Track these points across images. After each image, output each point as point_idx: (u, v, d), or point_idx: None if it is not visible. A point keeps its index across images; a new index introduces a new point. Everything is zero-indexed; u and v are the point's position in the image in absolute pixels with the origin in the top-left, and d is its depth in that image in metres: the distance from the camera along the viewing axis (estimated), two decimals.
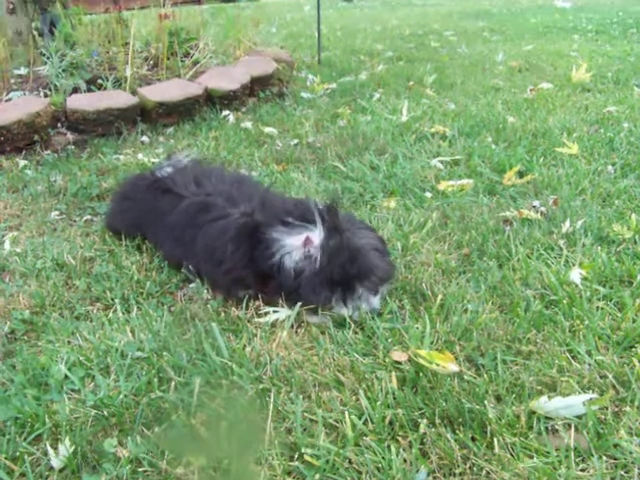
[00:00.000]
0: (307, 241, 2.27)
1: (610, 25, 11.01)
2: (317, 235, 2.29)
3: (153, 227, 2.84)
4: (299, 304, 2.30)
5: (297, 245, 2.29)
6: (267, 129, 4.77)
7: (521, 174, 3.68)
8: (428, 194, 3.45)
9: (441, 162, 3.93)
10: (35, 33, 5.70)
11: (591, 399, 1.81)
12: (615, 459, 1.67)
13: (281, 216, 2.39)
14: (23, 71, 5.38)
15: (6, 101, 4.76)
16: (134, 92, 5.04)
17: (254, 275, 2.36)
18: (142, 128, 4.81)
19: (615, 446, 1.70)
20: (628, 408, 1.81)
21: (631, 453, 1.67)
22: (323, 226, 2.29)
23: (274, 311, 2.35)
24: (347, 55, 8.30)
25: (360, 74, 6.90)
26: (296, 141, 4.49)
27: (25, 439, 1.81)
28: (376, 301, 2.34)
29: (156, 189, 2.88)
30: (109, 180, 3.83)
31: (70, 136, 4.60)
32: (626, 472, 1.63)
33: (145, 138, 4.67)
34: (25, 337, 2.32)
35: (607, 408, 1.82)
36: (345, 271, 2.24)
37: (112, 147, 4.50)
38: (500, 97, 5.68)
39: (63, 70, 5.17)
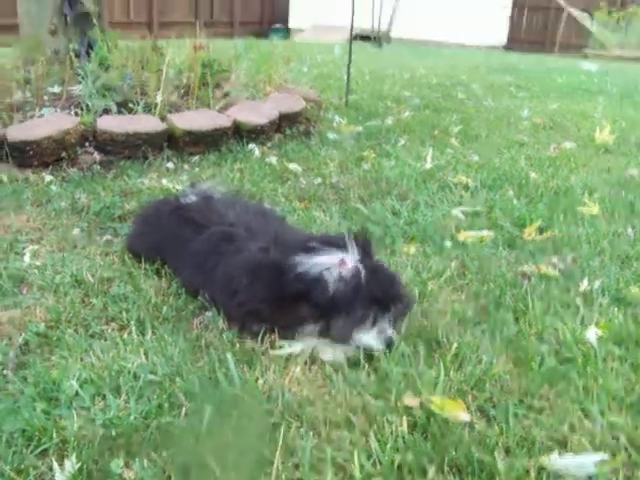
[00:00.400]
0: (342, 262, 2.29)
1: (635, 90, 11.08)
2: (350, 259, 2.31)
3: (173, 253, 2.85)
4: (313, 342, 2.31)
5: (335, 263, 2.30)
6: (292, 166, 4.81)
7: (541, 230, 3.68)
8: (448, 243, 3.46)
9: (462, 212, 3.94)
10: (72, 54, 5.80)
11: (602, 460, 1.80)
12: None
13: (302, 246, 2.41)
14: (57, 89, 5.46)
15: (38, 117, 4.83)
16: (163, 118, 5.10)
17: (272, 306, 2.36)
18: (168, 154, 4.86)
19: None
20: None
21: None
22: (356, 249, 2.33)
23: (289, 345, 2.35)
24: (374, 100, 8.38)
25: (386, 119, 6.95)
26: (320, 180, 4.52)
27: (32, 452, 1.82)
28: (394, 333, 2.37)
29: (179, 215, 2.90)
30: (132, 202, 3.86)
31: (97, 156, 4.65)
32: None
33: (170, 164, 4.72)
34: (38, 350, 2.33)
35: (619, 470, 1.80)
36: (385, 291, 2.29)
37: (137, 170, 4.54)
38: (524, 152, 5.71)
39: (96, 91, 5.25)
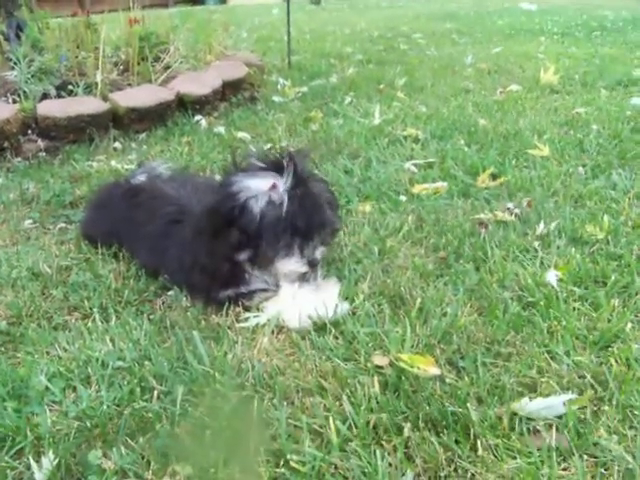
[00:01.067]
0: (274, 187, 2.28)
1: (575, 27, 11.17)
2: (283, 182, 2.30)
3: (129, 236, 2.83)
4: (278, 308, 2.33)
5: (263, 189, 2.29)
6: (240, 134, 4.78)
7: (494, 176, 3.71)
8: (403, 197, 3.48)
9: (415, 165, 3.96)
10: (0, 38, 5.65)
11: (571, 399, 1.84)
12: (595, 457, 1.69)
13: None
14: None
15: None
16: (105, 98, 5.01)
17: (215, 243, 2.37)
18: (114, 134, 4.79)
19: (595, 445, 1.72)
20: (606, 407, 1.85)
21: (610, 451, 1.70)
22: (290, 174, 2.31)
23: (254, 316, 2.36)
24: (317, 58, 8.33)
25: (331, 77, 6.93)
26: (269, 145, 4.50)
27: (7, 453, 1.80)
28: (319, 253, 2.42)
29: (130, 197, 2.87)
30: (82, 187, 3.80)
31: (41, 143, 4.56)
32: (606, 469, 1.65)
33: (118, 144, 4.65)
34: (2, 348, 2.30)
35: (586, 408, 1.84)
36: (310, 221, 2.30)
37: (84, 154, 4.47)
38: (470, 99, 5.74)
39: (32, 75, 5.12)
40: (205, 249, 2.38)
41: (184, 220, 2.57)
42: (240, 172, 2.37)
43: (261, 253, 2.33)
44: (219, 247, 2.34)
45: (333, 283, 2.51)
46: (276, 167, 2.33)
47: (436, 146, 4.32)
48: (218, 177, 3.72)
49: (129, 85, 5.51)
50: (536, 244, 2.85)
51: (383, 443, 1.76)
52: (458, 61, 7.77)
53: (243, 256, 2.36)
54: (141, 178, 3.01)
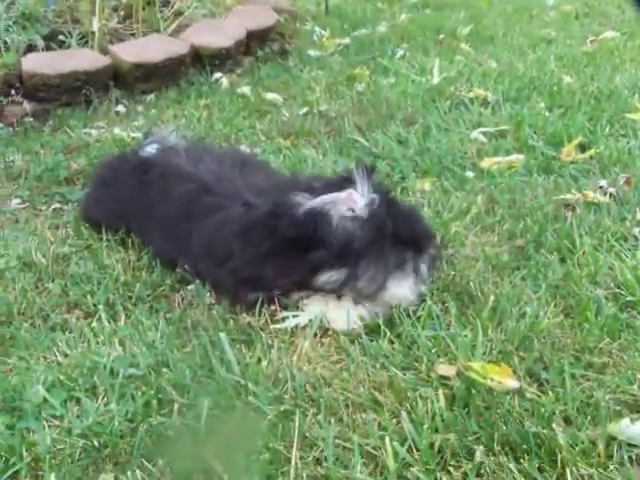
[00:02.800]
0: (350, 197, 2.33)
1: None
2: (360, 195, 2.35)
3: (140, 218, 2.90)
4: (322, 306, 2.37)
5: (341, 198, 2.34)
6: (269, 95, 4.82)
7: (583, 147, 3.71)
8: (470, 173, 3.50)
9: (484, 134, 3.97)
10: None
11: None
12: None
13: (297, 187, 2.46)
14: None
15: None
16: (104, 51, 5.07)
17: (273, 264, 2.40)
18: (116, 95, 4.86)
19: None
20: None
21: None
22: (368, 184, 2.36)
23: (293, 316, 2.41)
24: (361, 2, 8.31)
25: (378, 26, 6.91)
26: (305, 110, 4.54)
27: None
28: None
29: (142, 173, 2.93)
30: (80, 160, 3.87)
31: (27, 106, 4.63)
32: None
33: (121, 108, 4.72)
34: None
35: None
36: (413, 229, 2.36)
37: (81, 119, 4.55)
38: (553, 51, 5.69)
39: (13, 22, 5.12)
40: (256, 255, 2.44)
41: (208, 199, 2.62)
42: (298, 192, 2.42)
43: (364, 273, 2.36)
44: (287, 263, 2.40)
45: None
46: (339, 184, 2.40)
47: (510, 111, 4.31)
48: (245, 148, 3.78)
49: (133, 35, 5.56)
50: (636, 231, 2.86)
51: (450, 469, 1.79)
52: (537, 3, 7.70)
53: (327, 278, 2.40)
54: (151, 150, 3.06)
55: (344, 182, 2.41)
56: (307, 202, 2.35)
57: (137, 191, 2.90)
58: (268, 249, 2.39)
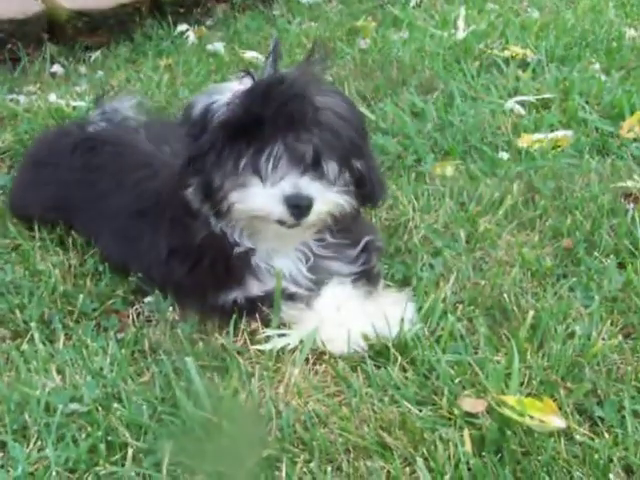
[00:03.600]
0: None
1: None
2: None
3: (84, 211, 2.90)
4: (315, 323, 2.39)
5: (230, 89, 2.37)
6: (248, 54, 4.82)
7: None
8: (504, 154, 3.52)
9: (522, 104, 3.98)
10: None
11: None
12: None
13: None
14: None
15: None
16: None
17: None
18: (52, 52, 4.85)
19: None
20: None
21: None
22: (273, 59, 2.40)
23: (280, 335, 2.41)
24: None
25: None
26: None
27: None
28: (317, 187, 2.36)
29: (87, 152, 2.93)
30: (4, 135, 3.86)
31: None
32: None
33: (58, 68, 4.72)
34: None
35: None
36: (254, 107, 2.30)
37: (5, 82, 4.53)
38: None
39: None
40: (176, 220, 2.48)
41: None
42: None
43: (207, 178, 2.36)
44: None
45: (401, 294, 2.56)
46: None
47: (555, 74, 4.32)
48: None
49: None
50: None
51: None
52: None
53: (190, 191, 2.40)
54: (104, 123, 3.06)
55: None
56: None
57: (82, 175, 2.90)
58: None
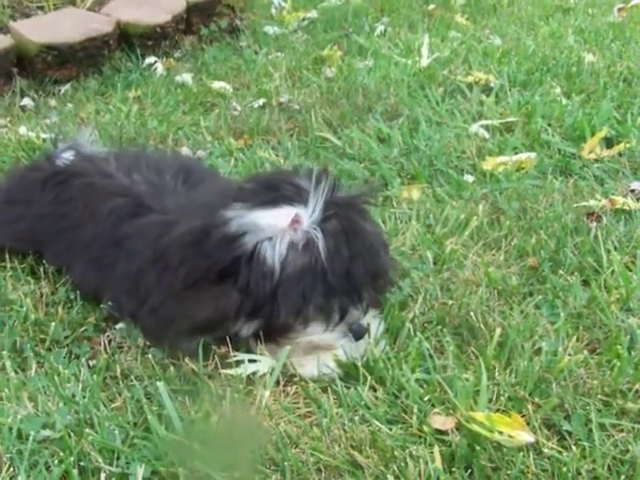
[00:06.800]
0: (296, 220, 2.26)
1: None
2: (309, 213, 2.28)
3: (56, 242, 2.90)
4: (287, 349, 2.37)
5: (282, 227, 2.26)
6: (216, 84, 4.84)
7: (609, 142, 3.76)
8: (469, 177, 3.54)
9: (486, 128, 4.01)
10: None
11: None
12: None
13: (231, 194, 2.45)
14: None
15: None
16: (5, 29, 5.06)
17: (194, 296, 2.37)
18: (22, 85, 4.85)
19: None
20: None
21: None
22: (320, 199, 2.29)
23: (250, 360, 2.42)
24: None
25: None
26: (262, 102, 4.57)
27: None
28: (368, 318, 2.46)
29: (59, 185, 2.93)
30: None
31: None
32: None
33: (27, 101, 4.71)
34: None
35: None
36: (356, 271, 2.30)
37: None
38: (571, 23, 5.75)
39: None
40: (166, 292, 2.44)
41: (140, 218, 2.63)
42: (239, 201, 2.37)
43: (277, 324, 2.34)
44: (201, 309, 2.38)
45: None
46: (296, 192, 2.33)
47: (518, 98, 4.36)
48: (186, 151, 3.79)
49: (41, 9, 5.56)
50: None
51: None
52: None
53: (245, 330, 2.40)
54: (69, 157, 3.06)
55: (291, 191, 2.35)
56: (238, 220, 2.30)
57: (53, 208, 2.90)
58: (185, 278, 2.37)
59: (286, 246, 2.24)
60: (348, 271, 2.27)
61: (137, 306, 2.54)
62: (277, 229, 2.25)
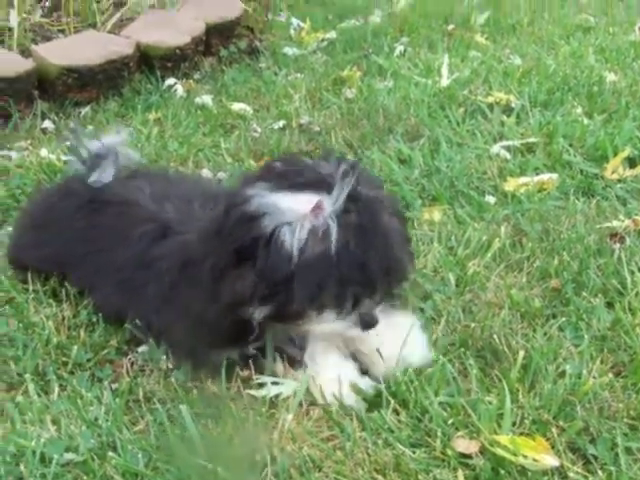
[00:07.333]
0: (318, 208, 2.23)
1: None
2: (332, 201, 2.26)
3: (82, 265, 2.91)
4: (311, 370, 2.38)
5: (303, 212, 2.24)
6: (236, 106, 4.86)
7: (632, 162, 3.76)
8: (490, 198, 3.54)
9: (507, 149, 4.01)
10: None
11: None
12: None
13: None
14: None
15: None
16: (26, 52, 5.08)
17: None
18: (43, 108, 4.86)
19: None
20: None
21: None
22: (344, 189, 2.26)
23: (273, 382, 2.41)
24: None
25: (372, 15, 6.95)
26: (282, 123, 4.58)
27: None
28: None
29: (92, 213, 2.95)
30: None
31: None
32: None
33: (48, 124, 4.73)
34: None
35: None
36: (373, 263, 2.28)
37: None
38: (592, 42, 5.73)
39: None
40: (195, 293, 2.44)
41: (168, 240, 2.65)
42: (262, 181, 2.36)
43: (290, 309, 2.32)
44: (221, 294, 2.36)
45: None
46: (322, 179, 2.32)
47: (539, 118, 4.35)
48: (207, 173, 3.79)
49: (62, 32, 5.58)
50: None
51: None
52: None
53: (259, 313, 2.36)
54: (106, 176, 3.00)
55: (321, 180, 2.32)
56: (253, 198, 2.28)
57: (83, 233, 2.93)
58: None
59: (306, 233, 2.22)
60: (363, 263, 2.26)
61: (168, 322, 2.57)
62: (298, 214, 2.22)
